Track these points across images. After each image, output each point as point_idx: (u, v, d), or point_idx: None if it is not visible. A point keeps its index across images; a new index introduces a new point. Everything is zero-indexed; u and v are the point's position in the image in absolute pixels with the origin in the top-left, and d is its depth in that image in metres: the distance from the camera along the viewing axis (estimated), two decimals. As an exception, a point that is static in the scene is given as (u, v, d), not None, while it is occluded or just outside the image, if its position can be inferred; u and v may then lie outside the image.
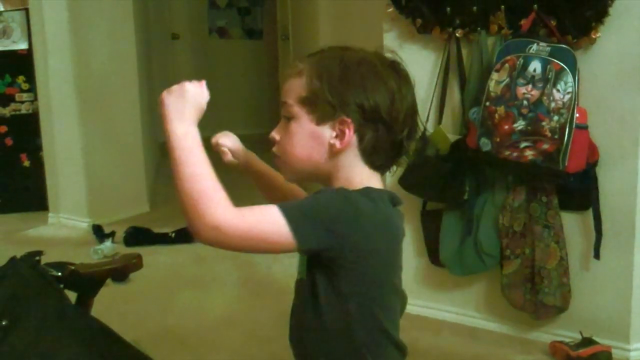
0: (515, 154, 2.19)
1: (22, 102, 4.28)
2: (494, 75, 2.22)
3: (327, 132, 1.07)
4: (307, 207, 1.00)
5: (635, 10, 2.17)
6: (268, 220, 0.97)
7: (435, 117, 2.52)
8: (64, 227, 4.09)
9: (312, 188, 1.08)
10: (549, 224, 2.33)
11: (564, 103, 2.12)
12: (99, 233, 3.74)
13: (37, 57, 4.07)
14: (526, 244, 2.38)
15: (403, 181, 2.42)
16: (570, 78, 2.12)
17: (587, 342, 2.32)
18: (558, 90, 2.12)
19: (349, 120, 1.05)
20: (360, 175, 1.09)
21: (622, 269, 2.32)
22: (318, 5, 3.99)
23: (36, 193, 4.25)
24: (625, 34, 2.19)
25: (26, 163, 4.35)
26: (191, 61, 7.00)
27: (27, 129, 4.24)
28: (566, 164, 2.15)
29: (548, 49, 2.15)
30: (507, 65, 2.20)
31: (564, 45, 2.16)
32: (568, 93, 2.12)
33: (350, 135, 1.06)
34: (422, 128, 1.14)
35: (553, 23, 2.22)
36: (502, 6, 2.29)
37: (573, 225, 2.37)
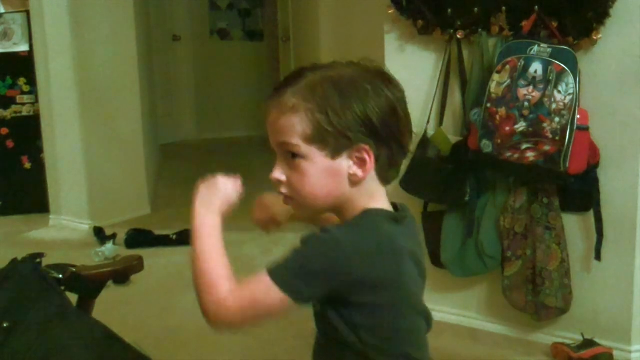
0: (516, 156, 2.19)
1: (23, 104, 4.28)
2: (495, 77, 2.22)
3: (345, 164, 1.02)
4: (296, 266, 0.98)
5: (636, 12, 2.17)
6: (261, 291, 0.97)
7: (436, 119, 2.52)
8: (65, 230, 4.09)
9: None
10: (550, 225, 2.33)
11: (565, 104, 2.12)
12: (100, 235, 3.75)
13: (38, 59, 4.08)
14: (527, 246, 2.38)
15: (404, 183, 2.42)
16: (571, 79, 2.12)
17: (589, 343, 2.32)
18: (559, 92, 2.12)
19: (367, 147, 1.01)
20: (377, 194, 1.06)
21: (624, 270, 2.32)
22: (319, 7, 4.00)
23: (37, 195, 4.25)
24: (627, 35, 2.19)
25: (27, 165, 4.35)
26: (192, 63, 7.00)
27: (28, 131, 4.25)
28: (567, 166, 2.15)
29: (549, 50, 2.15)
30: (508, 66, 2.20)
31: (565, 47, 2.16)
32: (569, 94, 2.12)
33: (371, 161, 1.02)
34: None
35: (554, 24, 2.21)
36: (503, 7, 2.29)
37: (574, 227, 2.37)
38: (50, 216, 4.20)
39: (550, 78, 2.13)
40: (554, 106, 2.12)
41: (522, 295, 2.40)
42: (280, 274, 0.96)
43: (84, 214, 4.08)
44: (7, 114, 4.28)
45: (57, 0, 3.89)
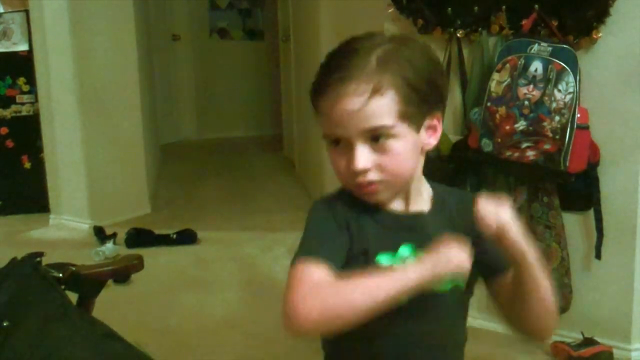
0: (516, 155, 2.18)
1: (23, 104, 4.28)
2: (495, 76, 2.22)
3: (423, 135, 1.02)
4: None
5: (636, 10, 2.17)
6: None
7: (437, 118, 2.52)
8: (65, 229, 4.09)
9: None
10: (551, 224, 2.33)
11: (565, 103, 2.12)
12: (100, 235, 3.75)
13: (38, 58, 4.07)
14: (528, 245, 2.37)
15: (404, 182, 2.41)
16: (571, 78, 2.12)
17: (589, 342, 2.32)
18: (559, 91, 2.12)
19: (439, 114, 1.02)
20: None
21: (624, 269, 2.32)
22: (319, 6, 4.00)
23: (37, 195, 4.25)
24: (627, 34, 2.19)
25: (27, 165, 4.35)
26: (192, 62, 7.00)
27: (28, 130, 4.25)
28: (567, 165, 2.15)
29: (549, 49, 2.15)
30: (508, 65, 2.20)
31: (565, 46, 2.16)
32: (569, 93, 2.12)
33: (440, 127, 1.02)
34: None
35: (554, 23, 2.21)
36: (503, 6, 2.29)
37: (574, 226, 2.37)
38: (50, 216, 4.20)
39: (551, 77, 2.13)
40: (554, 105, 2.12)
41: (523, 294, 2.40)
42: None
43: (84, 214, 4.08)
44: (7, 113, 4.28)
45: (57, -1, 3.89)
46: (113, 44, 4.11)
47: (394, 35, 1.04)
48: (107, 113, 4.10)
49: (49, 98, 4.07)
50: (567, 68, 2.12)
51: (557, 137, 2.12)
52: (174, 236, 3.70)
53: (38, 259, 1.43)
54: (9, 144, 4.32)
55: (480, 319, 2.61)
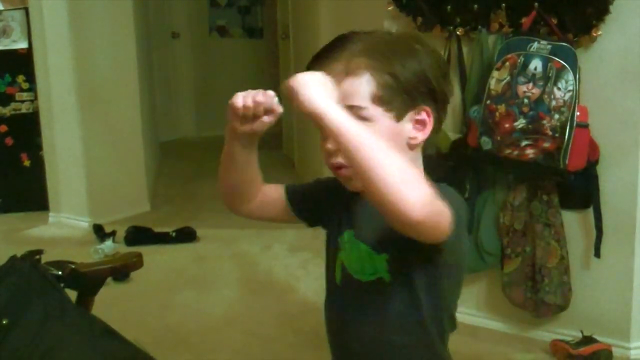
0: (515, 153, 2.18)
1: (22, 102, 4.28)
2: (495, 74, 2.21)
3: (407, 126, 1.01)
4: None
5: (636, 8, 2.17)
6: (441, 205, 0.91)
7: (436, 116, 2.52)
8: (64, 227, 4.09)
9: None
10: (550, 222, 2.33)
11: (564, 101, 2.12)
12: (100, 232, 3.74)
13: (37, 56, 4.07)
14: (527, 243, 2.38)
15: (403, 180, 2.41)
16: (571, 76, 2.12)
17: (588, 340, 2.32)
18: (559, 89, 2.12)
19: (428, 109, 1.00)
20: (419, 160, 1.05)
21: (623, 267, 2.32)
22: (318, 3, 4.00)
23: (37, 193, 4.24)
24: (626, 32, 2.19)
25: (26, 163, 4.34)
26: (191, 60, 6.99)
27: (28, 128, 4.24)
28: (567, 163, 2.15)
29: (549, 47, 2.15)
30: (507, 63, 2.19)
31: (564, 44, 2.16)
32: (569, 91, 2.12)
33: (431, 123, 1.01)
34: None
35: (554, 21, 2.21)
36: (503, 4, 2.29)
37: (574, 224, 2.37)
38: (50, 213, 4.20)
39: (550, 75, 2.13)
40: (553, 103, 2.12)
41: (522, 292, 2.40)
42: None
43: (84, 212, 4.07)
44: (6, 111, 4.27)
45: (56, -3, 3.89)
46: (112, 42, 4.10)
47: (402, 32, 1.06)
48: (107, 111, 4.10)
49: (48, 96, 4.07)
50: (567, 66, 2.12)
51: (557, 135, 2.12)
52: (173, 234, 3.70)
53: (37, 256, 1.44)
54: (9, 141, 4.31)
55: (479, 317, 2.61)
